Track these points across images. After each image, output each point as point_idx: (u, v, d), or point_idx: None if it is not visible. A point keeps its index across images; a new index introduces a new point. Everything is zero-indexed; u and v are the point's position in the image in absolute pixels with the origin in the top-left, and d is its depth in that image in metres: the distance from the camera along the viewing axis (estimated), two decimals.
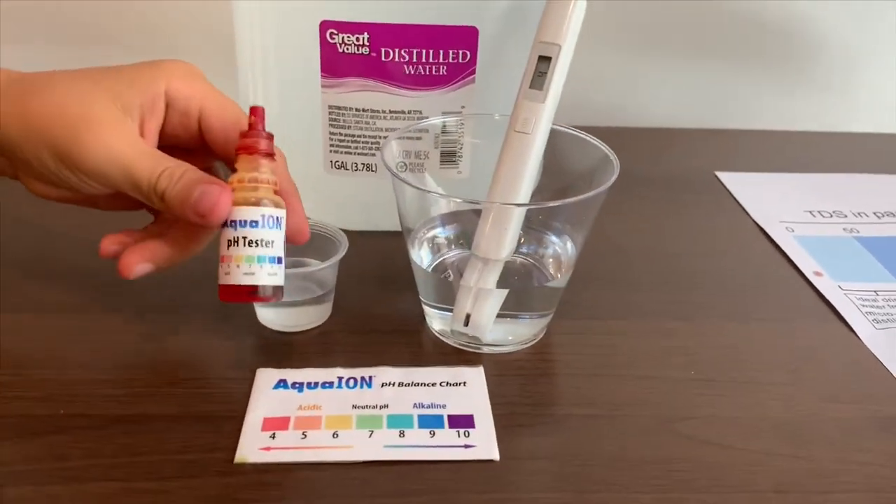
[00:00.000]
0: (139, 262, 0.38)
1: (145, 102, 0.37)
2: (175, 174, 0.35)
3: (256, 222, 0.36)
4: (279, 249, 0.37)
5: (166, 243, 0.39)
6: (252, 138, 0.37)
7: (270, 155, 0.38)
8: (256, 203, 0.36)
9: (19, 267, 0.50)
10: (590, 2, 0.42)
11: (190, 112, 0.38)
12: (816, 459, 0.38)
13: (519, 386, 0.42)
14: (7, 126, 0.35)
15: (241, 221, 0.36)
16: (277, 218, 0.37)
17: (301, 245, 0.40)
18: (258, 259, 0.36)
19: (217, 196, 0.35)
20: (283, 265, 0.38)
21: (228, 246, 0.37)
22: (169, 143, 0.39)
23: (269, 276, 0.37)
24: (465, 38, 0.48)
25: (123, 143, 0.36)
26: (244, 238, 0.36)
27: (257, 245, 0.36)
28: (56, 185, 0.37)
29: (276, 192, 0.37)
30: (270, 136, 0.38)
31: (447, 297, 0.44)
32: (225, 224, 0.37)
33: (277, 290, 0.38)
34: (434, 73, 0.48)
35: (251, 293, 0.37)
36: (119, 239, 0.39)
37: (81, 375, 0.41)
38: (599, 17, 0.47)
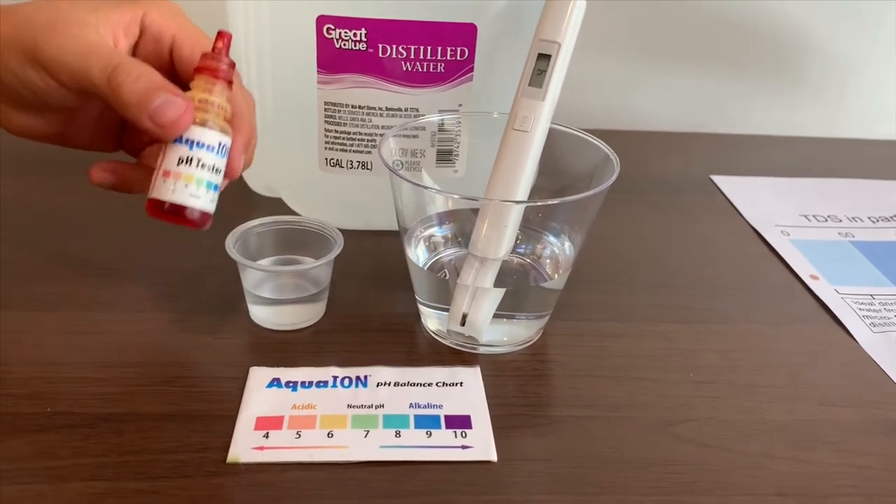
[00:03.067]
0: (104, 170, 0.39)
1: (121, 20, 0.37)
2: (133, 71, 0.34)
3: (213, 147, 0.36)
4: (221, 178, 0.37)
5: (136, 168, 0.40)
6: (213, 61, 0.36)
7: (228, 82, 0.37)
8: (205, 123, 0.36)
9: (8, 264, 0.49)
10: (589, 1, 0.42)
11: (163, 39, 0.38)
12: (816, 462, 0.38)
13: (516, 387, 0.41)
14: None
15: (198, 142, 0.36)
16: (226, 147, 0.37)
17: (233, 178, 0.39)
18: (207, 184, 0.36)
19: (182, 110, 0.34)
20: (217, 194, 0.37)
21: (179, 163, 0.36)
22: None
23: (210, 202, 0.37)
24: (464, 35, 0.47)
25: (88, 37, 0.35)
26: (199, 160, 0.36)
27: (210, 170, 0.36)
28: (30, 108, 0.37)
29: (226, 120, 0.37)
30: (232, 64, 0.37)
31: (443, 296, 0.43)
32: (178, 139, 0.36)
33: (208, 217, 0.37)
34: (432, 70, 0.48)
35: (188, 215, 0.36)
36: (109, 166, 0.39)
37: (69, 373, 0.40)
38: (596, 21, 0.47)
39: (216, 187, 0.37)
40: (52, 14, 0.36)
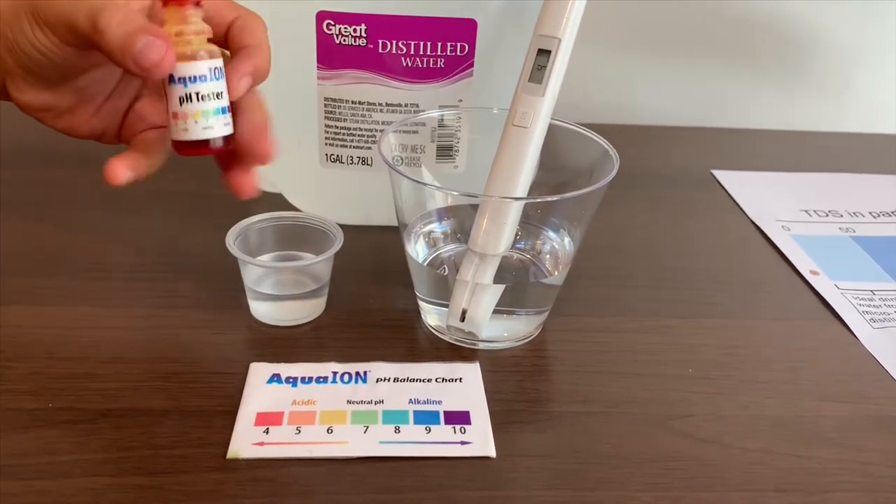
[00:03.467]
0: (125, 169, 0.39)
1: None
2: (115, 15, 0.35)
3: (205, 76, 0.36)
4: (226, 98, 0.37)
5: (138, 151, 0.40)
6: None
7: (196, 3, 0.37)
8: (193, 56, 0.36)
9: (9, 259, 0.49)
10: None
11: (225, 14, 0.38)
12: (815, 458, 0.38)
13: (515, 382, 0.42)
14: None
15: (190, 78, 0.36)
16: (219, 68, 0.37)
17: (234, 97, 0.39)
18: (214, 111, 0.37)
19: (162, 52, 0.35)
20: (230, 113, 0.38)
21: (181, 103, 0.36)
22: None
23: (224, 126, 0.37)
24: (464, 30, 0.47)
25: None
26: (196, 94, 0.36)
27: (210, 98, 0.36)
28: (36, 75, 0.38)
29: (210, 41, 0.37)
30: None
31: (443, 292, 0.43)
32: (171, 81, 0.36)
33: (230, 138, 0.37)
34: (432, 65, 0.48)
35: (212, 147, 0.37)
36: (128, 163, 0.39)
37: (70, 369, 0.40)
38: (596, 16, 0.47)
39: (224, 110, 0.37)
40: None
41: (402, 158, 0.49)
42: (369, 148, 0.51)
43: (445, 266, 0.46)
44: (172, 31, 0.36)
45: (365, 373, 0.41)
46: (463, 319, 0.42)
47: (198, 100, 0.36)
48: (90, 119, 0.41)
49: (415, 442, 0.37)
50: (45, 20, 0.36)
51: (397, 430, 0.37)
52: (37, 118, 0.40)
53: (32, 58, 0.37)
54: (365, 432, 0.37)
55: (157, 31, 0.35)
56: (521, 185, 0.41)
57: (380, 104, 0.49)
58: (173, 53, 0.35)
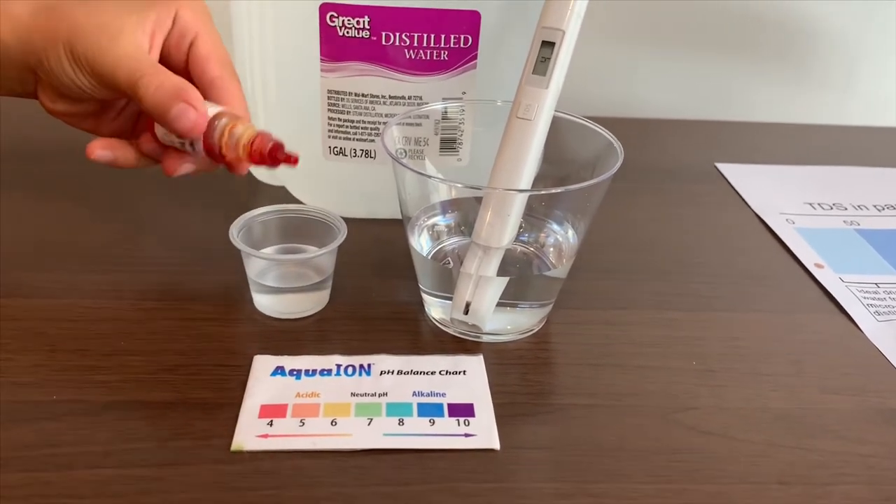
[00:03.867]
0: (103, 147, 0.43)
1: (158, 19, 0.41)
2: (153, 82, 0.39)
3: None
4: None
5: (133, 147, 0.44)
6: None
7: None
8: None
9: (11, 252, 0.49)
10: None
11: (187, 35, 0.42)
12: (818, 451, 0.38)
13: (519, 375, 0.42)
14: (36, 38, 0.40)
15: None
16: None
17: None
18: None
19: (194, 119, 0.40)
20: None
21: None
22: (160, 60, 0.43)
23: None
24: (467, 22, 0.47)
25: (120, 46, 0.40)
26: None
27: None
28: (68, 96, 0.42)
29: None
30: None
31: (447, 285, 0.43)
32: None
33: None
34: (435, 58, 0.48)
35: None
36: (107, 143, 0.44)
37: (74, 361, 0.40)
38: (600, 9, 0.47)
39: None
40: (96, 18, 0.40)
41: (405, 151, 0.48)
42: (373, 140, 0.51)
43: (449, 259, 0.46)
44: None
45: (369, 365, 0.41)
46: (467, 312, 0.42)
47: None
48: (112, 122, 0.45)
49: (419, 434, 0.37)
50: (86, 69, 0.40)
51: (401, 422, 0.37)
52: (62, 121, 0.44)
53: (70, 89, 0.41)
54: (369, 425, 0.37)
55: (191, 96, 0.40)
56: (525, 178, 0.41)
57: (383, 97, 0.49)
58: (205, 119, 0.40)
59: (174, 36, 0.42)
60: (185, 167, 0.43)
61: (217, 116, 0.40)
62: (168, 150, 0.43)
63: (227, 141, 0.40)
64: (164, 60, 0.42)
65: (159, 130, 0.42)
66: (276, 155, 0.40)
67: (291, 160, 0.40)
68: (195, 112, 0.39)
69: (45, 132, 0.44)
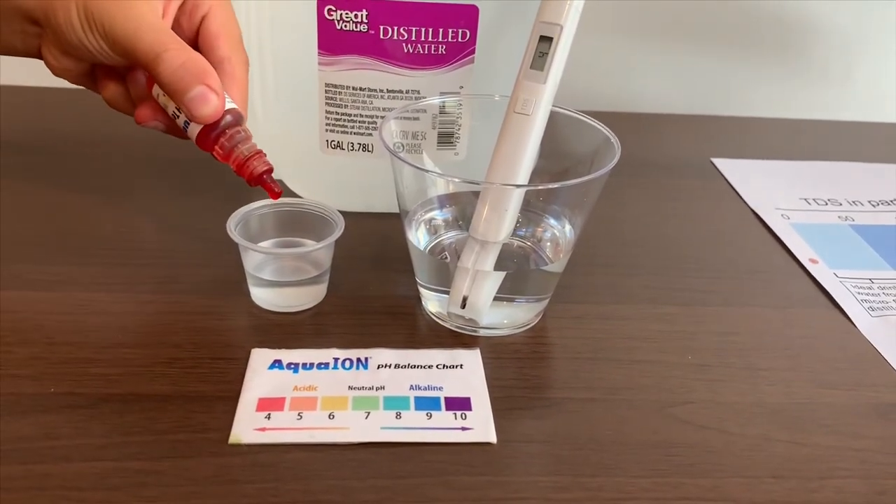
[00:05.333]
0: (153, 119, 0.42)
1: None
2: (176, 59, 0.38)
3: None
4: None
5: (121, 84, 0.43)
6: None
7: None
8: None
9: (9, 244, 0.49)
10: None
11: (200, 8, 0.42)
12: (813, 445, 0.38)
13: (516, 369, 0.42)
14: None
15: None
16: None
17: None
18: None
19: (213, 105, 0.38)
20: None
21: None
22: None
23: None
24: (465, 16, 0.47)
25: (139, 14, 0.38)
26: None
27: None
28: (75, 56, 0.41)
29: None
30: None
31: (444, 279, 0.43)
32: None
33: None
34: (433, 52, 0.48)
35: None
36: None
37: (71, 354, 0.40)
38: (598, 3, 0.47)
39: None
40: None
41: (403, 145, 0.48)
42: (370, 134, 0.51)
43: (446, 253, 0.46)
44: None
45: (366, 359, 0.41)
46: (464, 306, 0.42)
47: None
48: (115, 86, 0.43)
49: (416, 428, 0.37)
50: (101, 31, 0.38)
51: (398, 415, 0.38)
52: (61, 77, 0.43)
53: (76, 49, 0.39)
54: (366, 418, 0.37)
55: (213, 81, 0.38)
56: (523, 173, 0.41)
57: (381, 90, 0.49)
58: (222, 110, 0.39)
59: (188, 4, 0.42)
60: (156, 124, 0.42)
61: (228, 113, 0.40)
62: (149, 100, 0.42)
63: (225, 143, 0.40)
64: (174, 29, 0.41)
65: (157, 90, 0.41)
66: (262, 178, 0.40)
67: (274, 192, 0.41)
68: (217, 99, 0.38)
69: (43, 122, 0.44)
